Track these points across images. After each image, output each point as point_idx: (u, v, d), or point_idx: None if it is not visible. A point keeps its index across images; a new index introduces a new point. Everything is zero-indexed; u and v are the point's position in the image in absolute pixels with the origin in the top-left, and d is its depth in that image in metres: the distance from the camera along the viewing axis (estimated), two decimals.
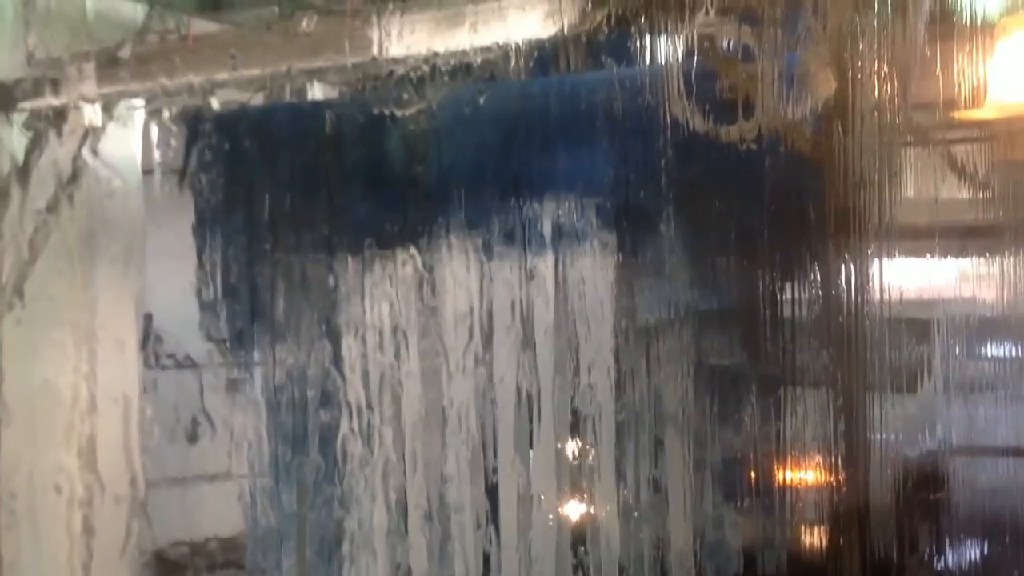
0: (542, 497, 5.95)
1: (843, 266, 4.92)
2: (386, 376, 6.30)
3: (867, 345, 4.93)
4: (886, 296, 4.90)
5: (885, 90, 4.70)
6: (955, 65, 4.65)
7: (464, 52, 5.05)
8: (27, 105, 5.96)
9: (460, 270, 5.98)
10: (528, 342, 5.86)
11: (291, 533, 6.64)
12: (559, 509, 5.95)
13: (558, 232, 5.72)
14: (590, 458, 5.87)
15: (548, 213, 5.73)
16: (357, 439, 6.40)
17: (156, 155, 6.78)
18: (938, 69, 4.71)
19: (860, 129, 4.76)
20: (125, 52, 5.67)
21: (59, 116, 5.99)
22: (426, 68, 5.19)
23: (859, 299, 4.91)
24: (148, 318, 8.44)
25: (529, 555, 5.98)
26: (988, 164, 5.14)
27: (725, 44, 4.90)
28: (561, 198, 5.68)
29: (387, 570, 6.31)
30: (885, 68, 4.66)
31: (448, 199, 5.94)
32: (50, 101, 5.90)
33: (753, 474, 5.54)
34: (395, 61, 5.11)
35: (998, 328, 5.43)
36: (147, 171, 6.86)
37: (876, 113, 4.73)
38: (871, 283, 4.90)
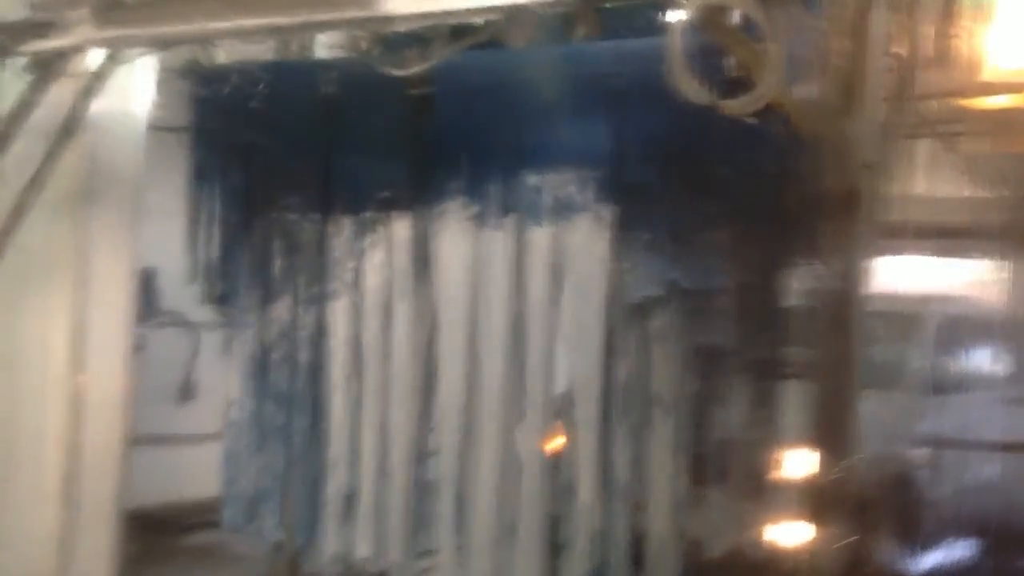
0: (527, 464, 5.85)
1: (842, 251, 4.82)
2: (376, 339, 6.24)
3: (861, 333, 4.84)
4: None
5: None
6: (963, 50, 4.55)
7: (468, 13, 4.94)
8: (27, 48, 5.81)
9: (455, 237, 5.90)
10: (520, 311, 5.78)
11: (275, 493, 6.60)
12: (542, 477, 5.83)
13: (555, 203, 5.63)
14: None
15: (546, 184, 5.65)
16: (347, 401, 6.35)
17: (162, 109, 6.72)
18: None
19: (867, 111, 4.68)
20: None
21: (60, 61, 5.86)
22: (429, 27, 5.12)
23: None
24: (151, 274, 8.39)
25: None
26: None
27: (734, 18, 4.78)
28: (560, 169, 5.59)
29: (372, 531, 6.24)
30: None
31: (445, 165, 5.86)
32: (51, 44, 5.74)
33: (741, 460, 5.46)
34: (399, 19, 5.00)
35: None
36: (153, 126, 6.78)
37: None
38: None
